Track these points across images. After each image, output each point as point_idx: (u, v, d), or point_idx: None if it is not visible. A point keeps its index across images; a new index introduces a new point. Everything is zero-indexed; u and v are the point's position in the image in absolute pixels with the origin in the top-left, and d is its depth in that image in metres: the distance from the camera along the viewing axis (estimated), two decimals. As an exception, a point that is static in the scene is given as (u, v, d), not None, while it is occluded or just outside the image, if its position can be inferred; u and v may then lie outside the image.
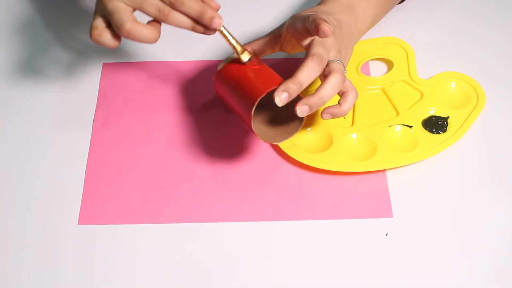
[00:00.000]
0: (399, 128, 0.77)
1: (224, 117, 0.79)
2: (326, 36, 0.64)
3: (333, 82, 0.65)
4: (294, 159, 0.74)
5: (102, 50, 0.87)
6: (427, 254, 0.68)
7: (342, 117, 0.78)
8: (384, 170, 0.74)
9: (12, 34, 0.89)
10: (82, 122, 0.80)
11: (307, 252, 0.69)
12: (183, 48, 0.87)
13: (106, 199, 0.73)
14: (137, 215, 0.72)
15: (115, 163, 0.76)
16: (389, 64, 0.83)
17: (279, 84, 0.65)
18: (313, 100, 0.65)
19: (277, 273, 0.68)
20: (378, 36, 0.85)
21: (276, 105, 0.65)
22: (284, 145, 0.75)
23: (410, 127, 0.76)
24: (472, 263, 0.68)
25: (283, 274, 0.68)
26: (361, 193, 0.73)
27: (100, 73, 0.84)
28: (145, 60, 0.85)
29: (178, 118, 0.80)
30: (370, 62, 0.84)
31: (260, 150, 0.76)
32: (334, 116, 0.68)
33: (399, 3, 0.87)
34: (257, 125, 0.71)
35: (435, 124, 0.76)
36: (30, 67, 0.85)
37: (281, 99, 0.64)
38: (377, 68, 0.83)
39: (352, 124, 0.77)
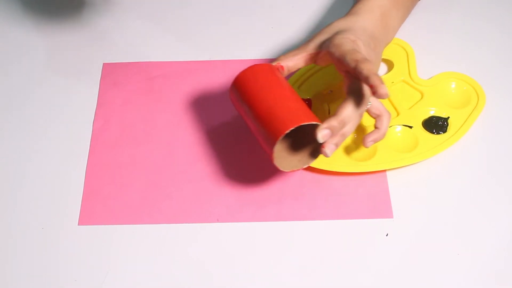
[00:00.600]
0: (399, 128, 0.77)
1: (224, 117, 0.79)
2: (382, 98, 0.63)
3: (351, 103, 0.66)
4: (294, 160, 0.74)
5: (102, 50, 0.87)
6: (428, 255, 0.68)
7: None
8: (384, 171, 0.74)
9: (12, 33, 0.89)
10: (82, 122, 0.80)
11: (307, 253, 0.69)
12: (183, 48, 0.87)
13: (106, 199, 0.73)
14: (137, 216, 0.72)
15: (115, 163, 0.76)
16: (389, 64, 0.83)
17: (317, 121, 0.65)
18: (333, 122, 0.65)
19: (277, 273, 0.68)
20: (378, 36, 0.85)
21: (292, 132, 0.66)
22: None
23: (411, 127, 0.76)
24: (473, 263, 0.68)
25: (283, 275, 0.68)
26: (362, 193, 0.73)
27: (100, 73, 0.84)
28: (145, 60, 0.85)
29: (178, 118, 0.79)
30: (370, 62, 0.84)
31: (261, 151, 0.76)
32: (376, 141, 0.70)
33: None
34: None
35: (436, 125, 0.76)
36: (30, 67, 0.85)
37: (323, 135, 0.64)
38: (377, 68, 0.83)
39: (353, 125, 0.77)
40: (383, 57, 0.83)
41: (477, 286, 0.67)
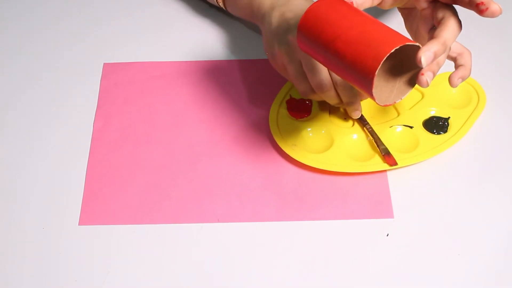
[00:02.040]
0: (400, 128, 0.77)
1: (225, 117, 0.79)
2: (494, 15, 0.57)
3: (453, 24, 0.60)
4: (294, 160, 0.74)
5: (102, 50, 0.87)
6: (428, 255, 0.68)
7: (343, 118, 0.78)
8: (385, 171, 0.74)
9: (11, 33, 0.89)
10: (82, 122, 0.80)
11: (308, 253, 0.69)
12: (183, 48, 0.87)
13: (106, 199, 0.73)
14: (137, 216, 0.72)
15: (115, 163, 0.76)
16: (390, 65, 0.83)
17: (417, 44, 0.58)
18: (436, 45, 0.58)
19: (277, 273, 0.68)
20: (378, 37, 0.85)
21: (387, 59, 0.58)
22: (284, 145, 0.75)
23: (411, 127, 0.76)
24: (473, 264, 0.68)
25: (283, 275, 0.68)
26: (362, 193, 0.73)
27: (100, 73, 0.84)
28: (145, 60, 0.85)
29: (178, 118, 0.79)
30: (370, 63, 0.84)
31: (261, 151, 0.76)
32: (464, 79, 0.64)
33: None
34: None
35: (436, 125, 0.76)
36: (30, 66, 0.85)
37: (426, 58, 0.56)
38: (378, 69, 0.83)
39: (353, 125, 0.77)
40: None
41: (477, 286, 0.67)
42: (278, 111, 0.78)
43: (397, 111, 0.78)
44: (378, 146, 0.74)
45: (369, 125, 0.76)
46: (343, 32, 0.59)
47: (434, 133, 0.76)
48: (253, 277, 0.68)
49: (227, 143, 0.77)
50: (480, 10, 0.57)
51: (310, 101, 0.79)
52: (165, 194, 0.74)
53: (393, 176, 0.74)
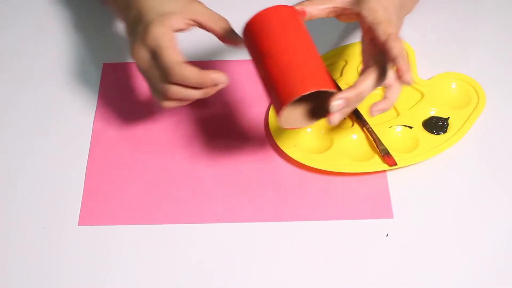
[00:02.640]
0: (399, 128, 0.76)
1: (225, 117, 0.79)
2: (405, 84, 0.62)
3: (374, 78, 0.63)
4: (294, 160, 0.74)
5: (102, 50, 0.86)
6: (428, 255, 0.68)
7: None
8: (384, 171, 0.74)
9: (11, 33, 0.89)
10: (82, 122, 0.80)
11: (308, 253, 0.69)
12: (183, 48, 0.87)
13: (106, 199, 0.73)
14: (137, 216, 0.72)
15: (115, 163, 0.76)
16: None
17: (334, 89, 0.62)
18: (350, 94, 0.62)
19: (277, 273, 0.68)
20: (378, 36, 0.85)
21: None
22: (284, 145, 0.75)
23: (411, 127, 0.76)
24: (473, 264, 0.68)
25: (283, 275, 0.68)
26: (362, 193, 0.73)
27: (100, 73, 0.84)
28: (145, 60, 0.85)
29: (178, 118, 0.79)
30: (370, 63, 0.84)
31: (261, 151, 0.76)
32: (384, 111, 0.65)
33: None
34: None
35: (436, 125, 0.76)
36: (29, 67, 0.85)
37: (337, 105, 0.61)
38: (378, 69, 0.83)
39: (352, 125, 0.77)
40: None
41: (477, 286, 0.67)
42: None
43: (397, 111, 0.78)
44: (377, 146, 0.74)
45: (369, 125, 0.76)
46: (276, 52, 0.62)
47: (433, 133, 0.76)
48: (252, 277, 0.68)
49: (227, 143, 0.77)
50: (398, 75, 0.62)
51: None
52: (164, 194, 0.74)
53: (393, 176, 0.74)
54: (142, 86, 0.83)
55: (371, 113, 0.64)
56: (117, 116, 0.80)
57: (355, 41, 0.85)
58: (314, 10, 0.67)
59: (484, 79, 0.80)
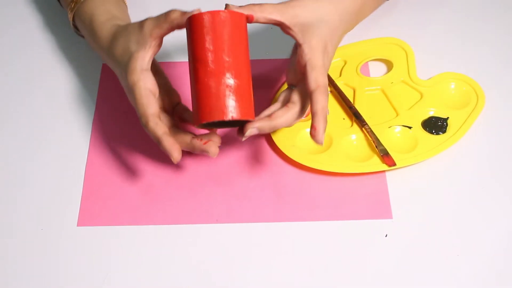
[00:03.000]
0: (398, 129, 0.76)
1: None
2: (315, 142, 0.65)
3: (291, 117, 0.67)
4: (293, 160, 0.74)
5: (101, 50, 0.86)
6: (427, 255, 0.68)
7: (342, 118, 0.78)
8: (383, 171, 0.74)
9: (12, 33, 0.89)
10: (82, 122, 0.80)
11: (307, 253, 0.69)
12: (183, 48, 0.87)
13: (105, 200, 0.73)
14: (136, 216, 0.72)
15: (114, 163, 0.76)
16: (389, 65, 0.83)
17: (249, 119, 0.65)
18: (265, 127, 0.66)
19: (276, 274, 0.68)
20: (378, 37, 0.85)
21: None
22: (283, 146, 0.75)
23: (410, 128, 0.76)
24: (473, 264, 0.68)
25: (282, 275, 0.68)
26: (361, 194, 0.73)
27: (100, 73, 0.84)
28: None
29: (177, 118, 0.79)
30: (369, 63, 0.84)
31: (260, 151, 0.76)
32: (261, 131, 0.67)
33: None
34: None
35: (435, 125, 0.76)
36: (29, 66, 0.85)
37: (249, 133, 0.65)
38: (377, 69, 0.83)
39: (352, 125, 0.77)
40: (382, 57, 0.83)
41: (477, 286, 0.67)
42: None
43: (396, 112, 0.78)
44: (376, 146, 0.74)
45: (368, 125, 0.76)
46: (208, 64, 0.64)
47: (433, 133, 0.76)
48: (252, 277, 0.68)
49: (226, 143, 0.77)
50: (310, 131, 0.65)
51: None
52: (164, 194, 0.74)
53: (392, 177, 0.74)
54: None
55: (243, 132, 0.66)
56: (116, 116, 0.80)
57: (355, 41, 0.85)
58: (262, 18, 0.68)
59: (483, 79, 0.80)
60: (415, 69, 0.81)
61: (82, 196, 0.74)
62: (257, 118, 0.67)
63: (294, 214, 0.72)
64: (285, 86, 0.80)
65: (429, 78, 0.81)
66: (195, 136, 0.69)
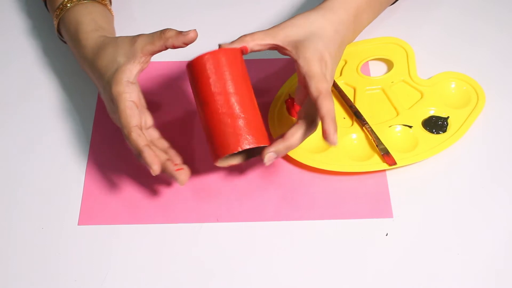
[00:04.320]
0: (399, 128, 0.77)
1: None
2: (329, 144, 0.65)
3: (301, 133, 0.67)
4: (294, 159, 0.74)
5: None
6: (427, 254, 0.68)
7: (342, 117, 0.78)
8: (384, 170, 0.74)
9: (12, 32, 0.89)
10: (82, 122, 0.80)
11: (307, 252, 0.69)
12: (183, 48, 0.87)
13: (106, 199, 0.73)
14: (137, 216, 0.72)
15: (115, 163, 0.76)
16: (389, 64, 0.83)
17: (266, 141, 0.66)
18: (281, 148, 0.66)
19: (277, 273, 0.68)
20: (378, 36, 0.85)
21: None
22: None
23: (410, 127, 0.76)
24: (473, 263, 0.68)
25: (283, 275, 0.68)
26: (361, 193, 0.73)
27: (100, 73, 0.84)
28: (145, 60, 0.85)
29: (178, 118, 0.79)
30: (370, 62, 0.84)
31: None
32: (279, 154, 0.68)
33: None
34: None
35: (435, 124, 0.76)
36: (30, 66, 0.85)
37: (268, 158, 0.66)
38: (377, 68, 0.83)
39: (352, 124, 0.77)
40: (383, 56, 0.83)
41: (477, 286, 0.67)
42: (277, 111, 0.78)
43: (397, 111, 0.78)
44: (377, 145, 0.74)
45: (368, 124, 0.76)
46: (215, 104, 0.65)
47: (433, 132, 0.76)
48: (252, 276, 0.68)
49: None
50: (322, 134, 0.65)
51: (292, 100, 0.79)
52: (164, 194, 0.74)
53: (393, 176, 0.74)
54: (142, 86, 0.82)
55: (264, 160, 0.67)
56: (117, 116, 0.80)
57: (356, 40, 0.85)
58: (256, 46, 0.69)
59: (483, 79, 0.80)
60: (415, 69, 0.81)
61: (82, 195, 0.74)
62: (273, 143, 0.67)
63: (295, 213, 0.72)
64: (285, 86, 0.80)
65: (430, 78, 0.81)
66: (170, 158, 0.69)
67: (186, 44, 0.68)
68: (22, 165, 0.76)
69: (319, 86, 0.65)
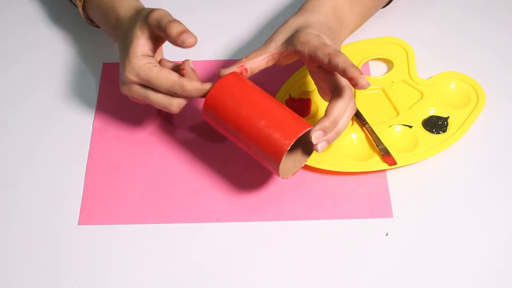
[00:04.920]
0: (399, 128, 0.77)
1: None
2: (363, 88, 0.64)
3: (343, 101, 0.66)
4: (294, 159, 0.74)
5: (102, 50, 0.87)
6: (428, 254, 0.68)
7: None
8: (384, 170, 0.74)
9: (12, 33, 0.89)
10: (82, 122, 0.80)
11: (307, 252, 0.69)
12: (183, 48, 0.87)
13: (106, 199, 0.73)
14: (137, 215, 0.72)
15: (115, 163, 0.76)
16: (389, 64, 0.83)
17: (308, 126, 0.65)
18: (325, 123, 0.65)
19: (277, 273, 0.68)
20: (378, 36, 0.85)
21: None
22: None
23: (410, 127, 0.76)
24: (473, 263, 0.68)
25: (283, 274, 0.68)
26: (361, 193, 0.73)
27: (100, 73, 0.84)
28: (145, 60, 0.85)
29: (178, 118, 0.79)
30: (370, 62, 0.84)
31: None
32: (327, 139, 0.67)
33: (384, 7, 0.87)
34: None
35: (435, 124, 0.76)
36: (29, 67, 0.85)
37: (317, 137, 0.65)
38: (377, 68, 0.83)
39: (352, 124, 0.77)
40: (383, 56, 0.83)
41: (477, 285, 0.67)
42: (277, 111, 0.78)
43: (397, 111, 0.78)
44: (377, 145, 0.74)
45: (368, 124, 0.76)
46: (244, 124, 0.66)
47: (433, 132, 0.76)
48: (252, 276, 0.68)
49: (227, 142, 0.77)
50: (352, 84, 0.64)
51: (309, 100, 0.79)
52: (164, 194, 0.74)
53: (393, 176, 0.74)
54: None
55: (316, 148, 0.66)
56: (117, 116, 0.80)
57: (356, 40, 0.85)
58: (253, 64, 0.70)
59: (483, 79, 0.80)
60: (415, 69, 0.81)
61: (83, 195, 0.74)
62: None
63: (295, 213, 0.72)
64: (285, 86, 0.80)
65: (430, 78, 0.81)
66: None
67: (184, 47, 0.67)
68: (22, 165, 0.76)
69: (325, 51, 0.65)
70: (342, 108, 0.66)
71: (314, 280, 0.67)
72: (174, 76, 0.68)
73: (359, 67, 0.82)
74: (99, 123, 0.79)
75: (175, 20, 0.67)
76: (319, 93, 0.72)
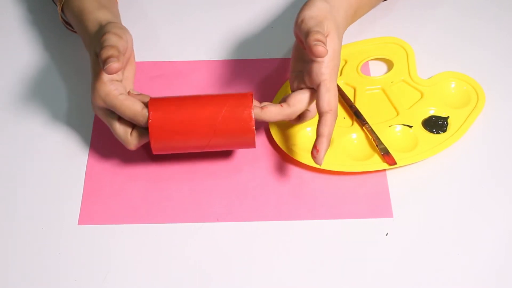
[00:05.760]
0: (399, 128, 0.77)
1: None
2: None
3: (334, 119, 0.68)
4: (294, 159, 0.74)
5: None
6: (428, 254, 0.68)
7: (342, 117, 0.78)
8: (384, 170, 0.74)
9: (12, 32, 0.89)
10: (82, 122, 0.80)
11: (307, 252, 0.69)
12: (183, 48, 0.87)
13: (106, 199, 0.73)
14: (137, 215, 0.72)
15: (115, 163, 0.76)
16: (389, 64, 0.83)
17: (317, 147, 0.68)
18: (325, 145, 0.68)
19: (277, 273, 0.68)
20: (378, 36, 0.85)
21: None
22: (284, 145, 0.75)
23: (410, 127, 0.76)
24: (473, 263, 0.68)
25: (283, 274, 0.68)
26: (361, 193, 0.73)
27: (100, 73, 0.84)
28: (145, 60, 0.85)
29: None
30: (370, 62, 0.84)
31: (260, 150, 0.76)
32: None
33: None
34: None
35: (435, 124, 0.76)
36: (29, 67, 0.85)
37: (320, 161, 0.68)
38: (377, 68, 0.84)
39: (352, 124, 0.77)
40: (383, 56, 0.84)
41: (477, 286, 0.67)
42: (277, 111, 0.78)
43: (397, 111, 0.78)
44: (377, 145, 0.74)
45: (368, 124, 0.76)
46: (206, 143, 0.70)
47: (433, 132, 0.76)
48: (252, 276, 0.68)
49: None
50: (312, 152, 0.69)
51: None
52: (164, 193, 0.74)
53: (393, 176, 0.74)
54: (142, 86, 0.83)
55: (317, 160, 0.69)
56: (117, 116, 0.80)
57: (356, 40, 0.85)
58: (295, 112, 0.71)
59: (483, 79, 0.80)
60: (415, 69, 0.81)
61: (83, 195, 0.74)
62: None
63: (295, 213, 0.72)
64: (285, 86, 0.80)
65: (430, 78, 0.81)
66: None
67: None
68: (22, 165, 0.76)
69: (331, 103, 0.68)
70: (331, 128, 0.68)
71: (314, 280, 0.67)
72: (138, 106, 0.69)
73: (359, 67, 0.82)
74: (99, 123, 0.79)
75: (108, 46, 0.68)
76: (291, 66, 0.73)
